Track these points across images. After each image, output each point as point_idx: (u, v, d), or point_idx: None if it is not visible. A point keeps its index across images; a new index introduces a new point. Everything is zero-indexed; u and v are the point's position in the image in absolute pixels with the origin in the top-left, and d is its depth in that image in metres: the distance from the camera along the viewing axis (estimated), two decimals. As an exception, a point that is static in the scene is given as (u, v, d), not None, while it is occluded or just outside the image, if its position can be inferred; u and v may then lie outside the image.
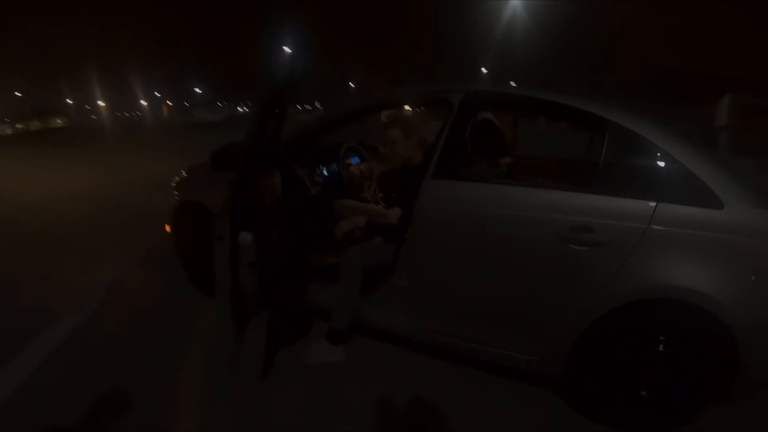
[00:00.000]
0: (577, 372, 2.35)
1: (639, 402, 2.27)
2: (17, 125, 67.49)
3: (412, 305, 2.71)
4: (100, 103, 79.70)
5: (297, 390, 2.60)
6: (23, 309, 3.61)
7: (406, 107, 3.60)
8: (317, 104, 62.28)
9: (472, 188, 2.48)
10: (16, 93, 79.71)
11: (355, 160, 3.84)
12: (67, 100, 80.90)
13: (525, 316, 2.39)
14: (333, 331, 2.84)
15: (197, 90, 78.16)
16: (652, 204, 2.11)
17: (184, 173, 3.87)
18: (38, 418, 2.37)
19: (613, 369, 2.27)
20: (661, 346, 2.16)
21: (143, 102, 79.86)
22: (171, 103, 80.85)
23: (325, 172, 3.55)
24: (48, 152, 18.69)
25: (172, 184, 3.80)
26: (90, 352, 3.00)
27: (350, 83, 63.29)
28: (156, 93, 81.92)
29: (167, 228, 3.73)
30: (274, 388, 2.61)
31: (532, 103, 2.84)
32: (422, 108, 3.54)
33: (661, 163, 2.20)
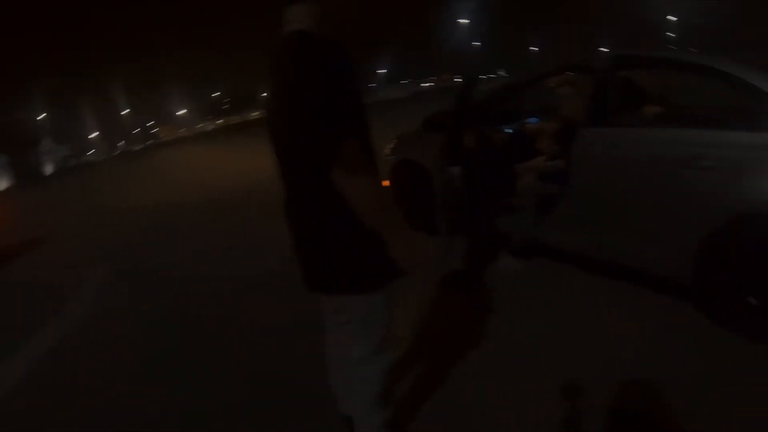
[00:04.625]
0: (700, 277, 3.05)
1: (749, 307, 2.89)
2: (218, 122, 78.36)
3: (572, 225, 3.71)
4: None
5: (495, 283, 3.85)
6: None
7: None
8: (501, 72, 62.65)
9: (614, 132, 3.43)
10: (212, 95, 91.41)
11: (533, 120, 4.91)
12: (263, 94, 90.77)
13: (659, 228, 3.21)
14: (515, 248, 4.03)
15: (381, 71, 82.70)
16: (752, 134, 2.83)
17: (395, 139, 5.26)
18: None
19: (729, 275, 2.93)
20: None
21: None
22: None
23: (508, 130, 4.71)
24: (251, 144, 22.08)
25: (385, 149, 5.20)
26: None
27: (532, 48, 62.89)
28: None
29: (384, 183, 5.14)
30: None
31: (654, 61, 3.74)
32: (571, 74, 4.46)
33: (761, 100, 2.85)
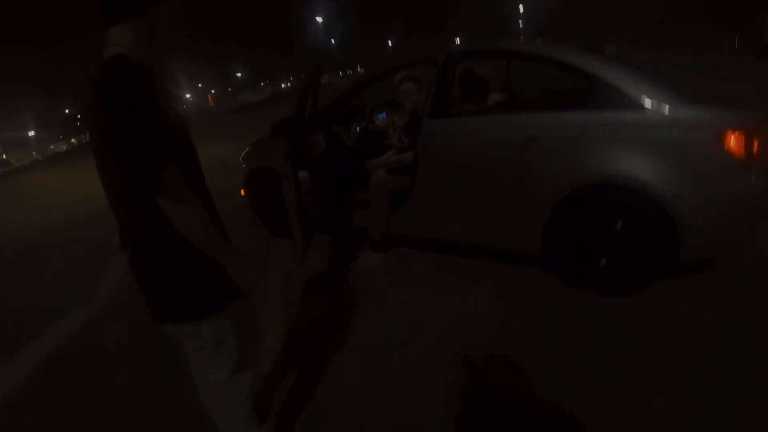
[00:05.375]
0: (550, 247, 3.31)
1: (600, 270, 3.16)
2: (72, 140, 72.42)
3: (425, 214, 3.86)
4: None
5: (358, 279, 3.92)
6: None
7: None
8: (359, 69, 63.44)
9: (457, 122, 3.62)
10: (66, 110, 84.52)
11: (381, 115, 5.03)
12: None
13: (506, 208, 3.43)
14: (373, 242, 4.12)
15: (238, 74, 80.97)
16: (584, 113, 3.07)
17: (248, 147, 5.17)
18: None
19: (575, 243, 3.20)
20: (610, 223, 3.03)
21: (187, 95, 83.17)
22: (214, 91, 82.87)
23: (357, 128, 4.79)
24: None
25: (240, 157, 5.10)
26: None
27: (389, 42, 64.59)
28: (198, 84, 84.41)
29: (242, 192, 5.05)
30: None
31: (492, 53, 3.99)
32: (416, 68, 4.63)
33: (590, 82, 3.12)
